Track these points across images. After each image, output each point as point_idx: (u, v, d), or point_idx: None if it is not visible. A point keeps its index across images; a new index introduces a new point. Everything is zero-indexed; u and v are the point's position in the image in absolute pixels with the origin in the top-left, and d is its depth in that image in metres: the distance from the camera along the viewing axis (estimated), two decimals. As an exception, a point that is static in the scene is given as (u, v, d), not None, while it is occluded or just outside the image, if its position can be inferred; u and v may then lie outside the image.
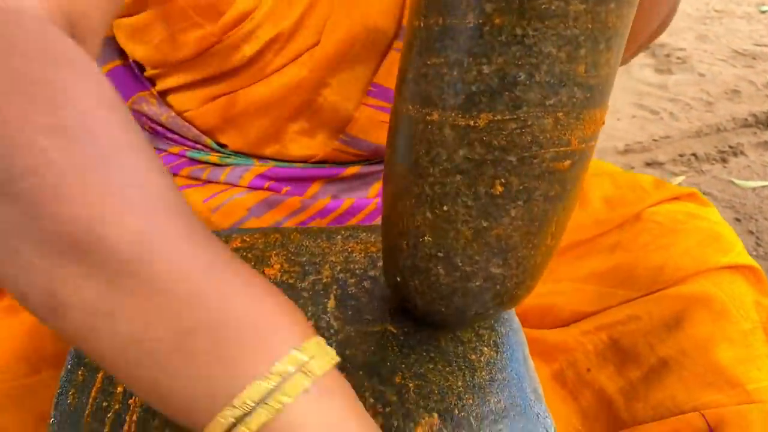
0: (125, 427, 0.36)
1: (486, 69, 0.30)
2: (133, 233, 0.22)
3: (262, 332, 0.23)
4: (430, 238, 0.35)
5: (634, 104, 1.62)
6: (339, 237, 0.50)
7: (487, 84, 0.30)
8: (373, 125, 0.54)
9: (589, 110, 0.31)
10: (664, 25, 0.50)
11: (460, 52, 0.30)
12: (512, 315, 0.44)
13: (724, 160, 1.32)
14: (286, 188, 0.55)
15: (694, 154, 1.37)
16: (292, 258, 0.48)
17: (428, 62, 0.31)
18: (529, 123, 0.30)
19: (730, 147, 1.35)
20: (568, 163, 0.32)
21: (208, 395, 0.22)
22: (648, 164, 1.39)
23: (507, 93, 0.30)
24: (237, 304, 0.23)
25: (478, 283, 0.36)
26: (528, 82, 0.29)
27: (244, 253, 0.47)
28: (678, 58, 1.90)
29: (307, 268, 0.47)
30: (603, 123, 0.33)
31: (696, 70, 1.84)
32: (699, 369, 0.44)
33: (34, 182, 0.21)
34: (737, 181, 1.24)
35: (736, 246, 0.50)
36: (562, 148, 0.31)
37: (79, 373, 0.39)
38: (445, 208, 0.34)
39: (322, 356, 0.24)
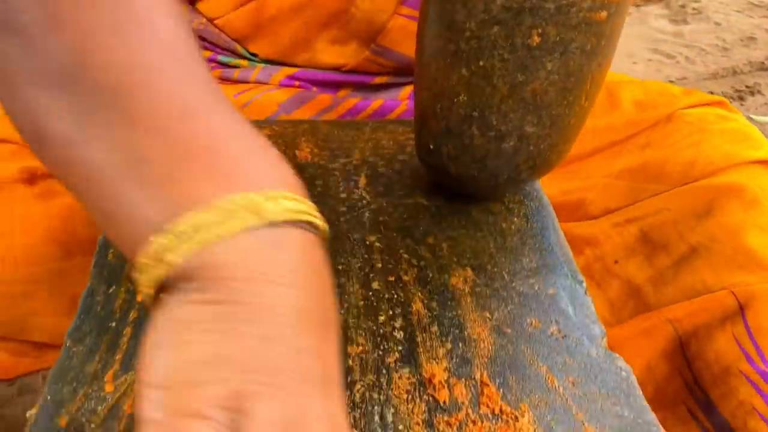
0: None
1: None
2: (117, 66, 0.22)
3: (223, 167, 0.22)
4: (465, 97, 0.36)
5: (650, 49, 1.61)
6: (367, 128, 0.51)
7: (527, -76, 0.30)
8: (406, 35, 0.54)
9: (626, -47, 0.32)
10: None
11: None
12: (541, 192, 0.45)
13: (741, 98, 1.32)
14: (315, 87, 0.56)
15: (711, 93, 1.38)
16: (322, 144, 0.49)
17: None
18: (568, -35, 0.31)
19: (747, 87, 1.35)
20: (604, 14, 0.33)
21: (151, 220, 0.21)
22: (665, 104, 1.39)
23: (546, -68, 0.30)
24: (205, 138, 0.22)
25: (511, 143, 0.37)
26: None
27: (274, 140, 0.48)
28: (693, 8, 1.89)
29: (336, 152, 0.48)
30: None
31: (712, 20, 1.83)
32: (729, 253, 0.45)
33: (34, 14, 0.22)
34: (755, 117, 1.24)
35: (764, 144, 0.50)
36: (598, -3, 0.32)
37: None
38: (481, 63, 0.35)
39: (285, 207, 0.21)
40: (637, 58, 1.57)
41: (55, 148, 0.23)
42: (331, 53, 0.56)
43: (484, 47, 0.34)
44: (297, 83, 0.56)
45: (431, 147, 0.40)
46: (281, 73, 0.56)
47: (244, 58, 0.57)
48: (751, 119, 1.25)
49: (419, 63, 0.39)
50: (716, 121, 0.52)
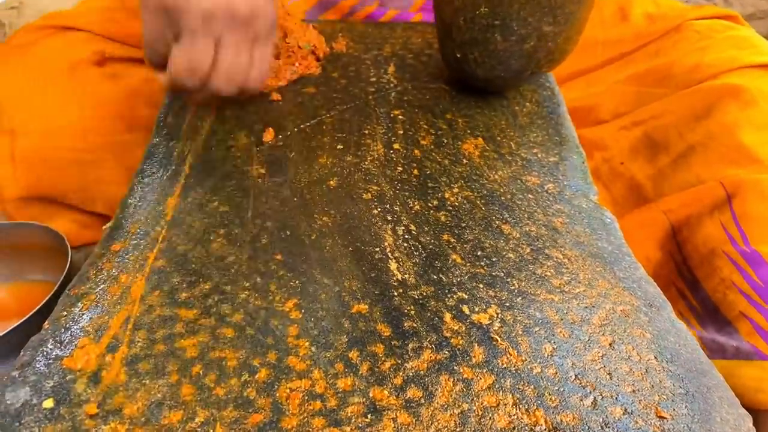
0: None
1: None
2: None
3: None
4: (486, 9, 0.40)
5: None
6: (399, 27, 0.56)
7: None
8: None
9: None
10: None
11: None
12: (553, 83, 0.49)
13: None
14: None
15: None
16: (357, 39, 0.54)
17: None
18: None
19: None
20: None
21: None
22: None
23: None
24: None
25: (532, 43, 0.41)
26: None
27: None
28: None
29: (369, 45, 0.53)
30: None
31: None
32: (723, 149, 0.47)
33: None
34: None
35: None
36: None
37: (176, 104, 0.46)
38: (500, -34, 0.39)
39: None
40: None
41: None
42: None
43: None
44: None
45: (458, 55, 0.44)
46: None
47: None
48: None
49: None
50: (723, 30, 0.54)
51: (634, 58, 0.57)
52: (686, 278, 0.47)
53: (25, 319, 0.44)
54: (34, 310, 0.45)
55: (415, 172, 0.40)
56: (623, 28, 0.58)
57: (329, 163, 0.40)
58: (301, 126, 0.44)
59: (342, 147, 0.42)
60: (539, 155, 0.41)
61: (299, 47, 0.49)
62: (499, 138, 0.43)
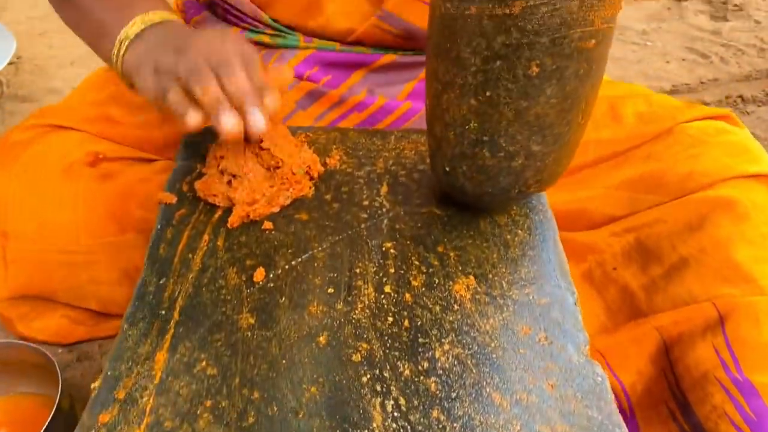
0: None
1: (520, -40, 0.33)
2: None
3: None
4: (475, 124, 0.40)
5: (685, 48, 1.58)
6: (392, 137, 0.56)
7: (522, -26, 0.34)
8: (408, 2, 0.58)
9: (611, -6, 0.34)
10: None
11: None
12: (546, 206, 0.48)
13: None
14: (326, 77, 0.61)
15: (740, 96, 1.35)
16: (350, 152, 0.54)
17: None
18: (558, 6, 0.34)
19: (780, 90, 1.31)
20: (593, 42, 0.36)
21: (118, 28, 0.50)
22: (694, 105, 1.37)
23: (539, -19, 0.34)
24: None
25: (520, 162, 0.41)
26: (558, -31, 0.33)
27: (309, 145, 0.53)
28: (735, 5, 1.84)
29: (363, 160, 0.53)
30: (621, 7, 0.36)
31: (752, 18, 1.78)
32: (716, 265, 0.47)
33: None
34: None
35: (763, 158, 0.52)
36: (587, 28, 0.35)
37: (168, 231, 0.47)
38: (488, 93, 0.39)
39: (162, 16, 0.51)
40: (671, 57, 1.55)
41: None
42: (340, 17, 0.60)
43: (489, 79, 0.38)
44: (308, 73, 0.61)
45: (447, 169, 0.44)
46: (296, 58, 0.61)
47: (268, 26, 0.62)
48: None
49: (430, 96, 0.43)
50: (716, 134, 0.53)
51: (626, 158, 0.57)
52: (678, 399, 0.46)
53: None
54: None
55: (406, 323, 0.39)
56: (615, 129, 0.58)
57: (319, 312, 0.40)
58: (293, 263, 0.44)
59: (333, 291, 0.42)
60: (531, 296, 0.41)
61: (293, 173, 0.49)
62: (490, 275, 0.42)
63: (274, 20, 0.62)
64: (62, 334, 0.65)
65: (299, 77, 0.61)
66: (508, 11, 0.35)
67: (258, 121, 0.43)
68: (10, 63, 1.34)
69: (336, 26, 0.60)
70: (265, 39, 0.62)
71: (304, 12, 0.60)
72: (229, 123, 0.42)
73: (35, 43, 1.45)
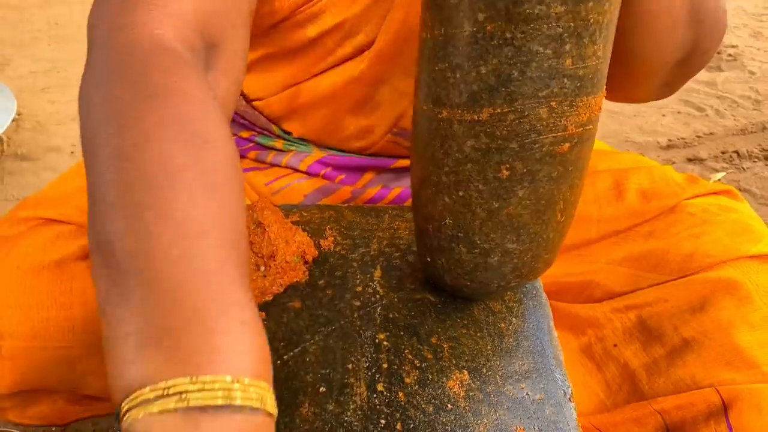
0: None
1: (483, 70, 0.34)
2: (130, 249, 0.27)
3: (206, 349, 0.25)
4: (450, 221, 0.40)
5: (681, 100, 1.58)
6: (386, 215, 0.56)
7: (486, 83, 0.34)
8: None
9: (581, 98, 0.34)
10: (700, 56, 0.48)
11: (461, 57, 0.34)
12: (540, 290, 0.48)
13: (766, 158, 1.28)
14: (340, 177, 0.62)
15: (736, 152, 1.34)
16: (345, 232, 0.54)
17: (436, 68, 0.36)
18: (526, 113, 0.34)
19: (776, 145, 1.31)
20: (567, 146, 0.36)
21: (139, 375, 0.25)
22: (689, 160, 1.36)
23: (503, 89, 0.34)
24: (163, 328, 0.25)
25: (496, 258, 0.41)
26: (521, 78, 0.33)
27: (302, 227, 0.54)
28: (729, 55, 1.83)
29: (357, 241, 0.53)
30: (600, 109, 0.36)
31: (747, 68, 1.77)
32: (719, 349, 0.46)
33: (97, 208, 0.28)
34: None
35: (765, 237, 0.51)
36: (559, 133, 0.35)
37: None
38: (460, 193, 0.39)
39: (211, 394, 0.24)
40: (667, 110, 1.56)
41: (98, 303, 0.28)
42: (358, 138, 0.62)
43: (461, 180, 0.38)
44: (323, 171, 0.62)
45: (428, 260, 0.44)
46: (311, 158, 0.62)
47: (279, 136, 0.64)
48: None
49: (412, 189, 0.43)
50: (719, 212, 0.53)
51: (627, 236, 0.57)
52: None
53: None
54: None
55: (399, 426, 0.39)
56: (618, 207, 0.58)
57: (311, 414, 0.40)
58: (285, 357, 0.44)
59: (324, 390, 0.42)
60: (525, 392, 0.40)
61: (287, 262, 0.50)
62: (484, 369, 0.42)
63: (286, 132, 0.64)
64: (57, 415, 0.65)
65: (313, 176, 0.63)
66: (476, 117, 0.35)
67: None
68: (12, 120, 1.27)
69: (354, 144, 0.62)
70: (278, 145, 0.64)
71: (320, 130, 0.62)
72: None
73: (37, 98, 1.42)
